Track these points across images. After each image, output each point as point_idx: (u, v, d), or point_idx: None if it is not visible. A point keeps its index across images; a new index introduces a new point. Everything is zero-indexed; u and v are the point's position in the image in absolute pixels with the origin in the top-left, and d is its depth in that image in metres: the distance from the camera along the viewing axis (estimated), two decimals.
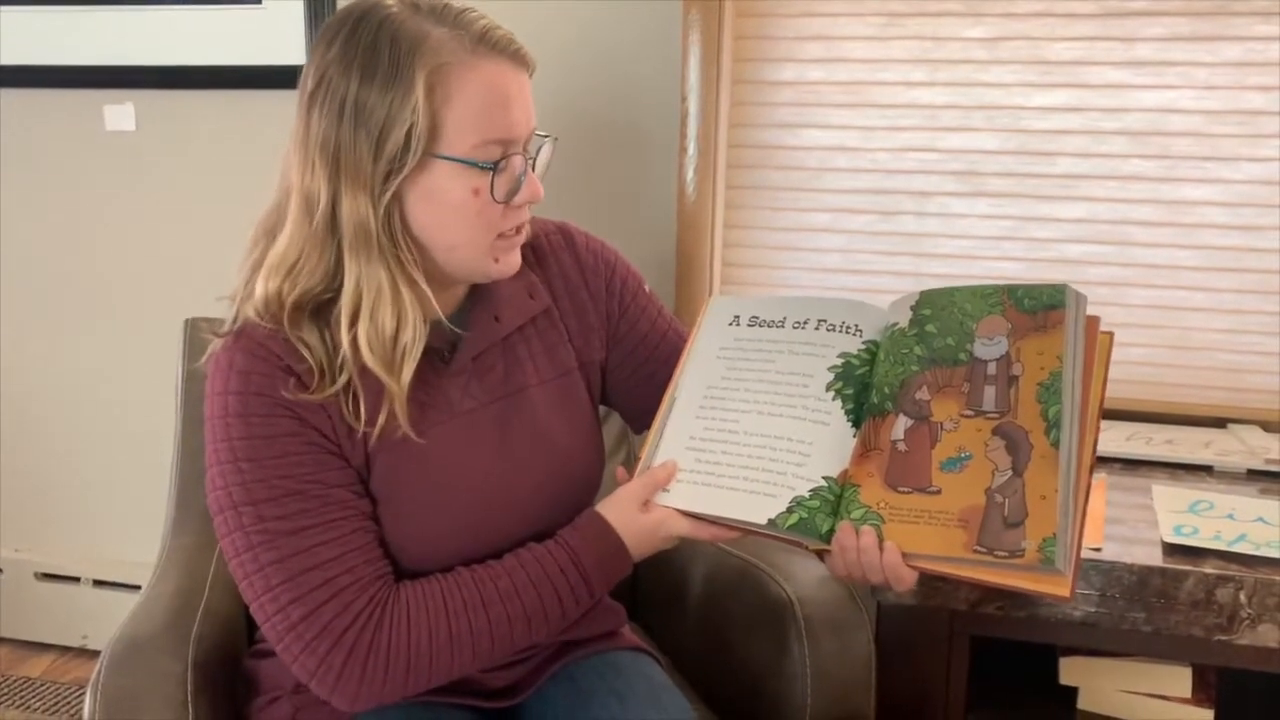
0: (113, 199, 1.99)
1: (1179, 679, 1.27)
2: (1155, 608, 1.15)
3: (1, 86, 1.98)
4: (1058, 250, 1.62)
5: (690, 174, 1.68)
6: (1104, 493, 1.34)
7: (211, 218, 1.93)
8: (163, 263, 1.99)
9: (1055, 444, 0.84)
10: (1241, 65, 1.51)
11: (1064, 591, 0.82)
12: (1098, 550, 1.18)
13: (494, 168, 0.91)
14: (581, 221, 1.15)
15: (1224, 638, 1.14)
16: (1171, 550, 1.18)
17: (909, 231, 1.67)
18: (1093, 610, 1.17)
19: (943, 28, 1.60)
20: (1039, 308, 0.90)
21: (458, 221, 0.92)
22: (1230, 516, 1.25)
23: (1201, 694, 1.28)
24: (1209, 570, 1.14)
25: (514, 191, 0.94)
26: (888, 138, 1.65)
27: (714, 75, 1.65)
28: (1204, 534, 1.20)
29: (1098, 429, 0.87)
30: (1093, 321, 0.89)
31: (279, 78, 1.75)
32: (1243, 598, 1.13)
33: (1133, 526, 1.25)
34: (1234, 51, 1.51)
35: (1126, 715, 1.29)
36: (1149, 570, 1.15)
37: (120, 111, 1.94)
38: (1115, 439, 1.51)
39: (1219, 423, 1.59)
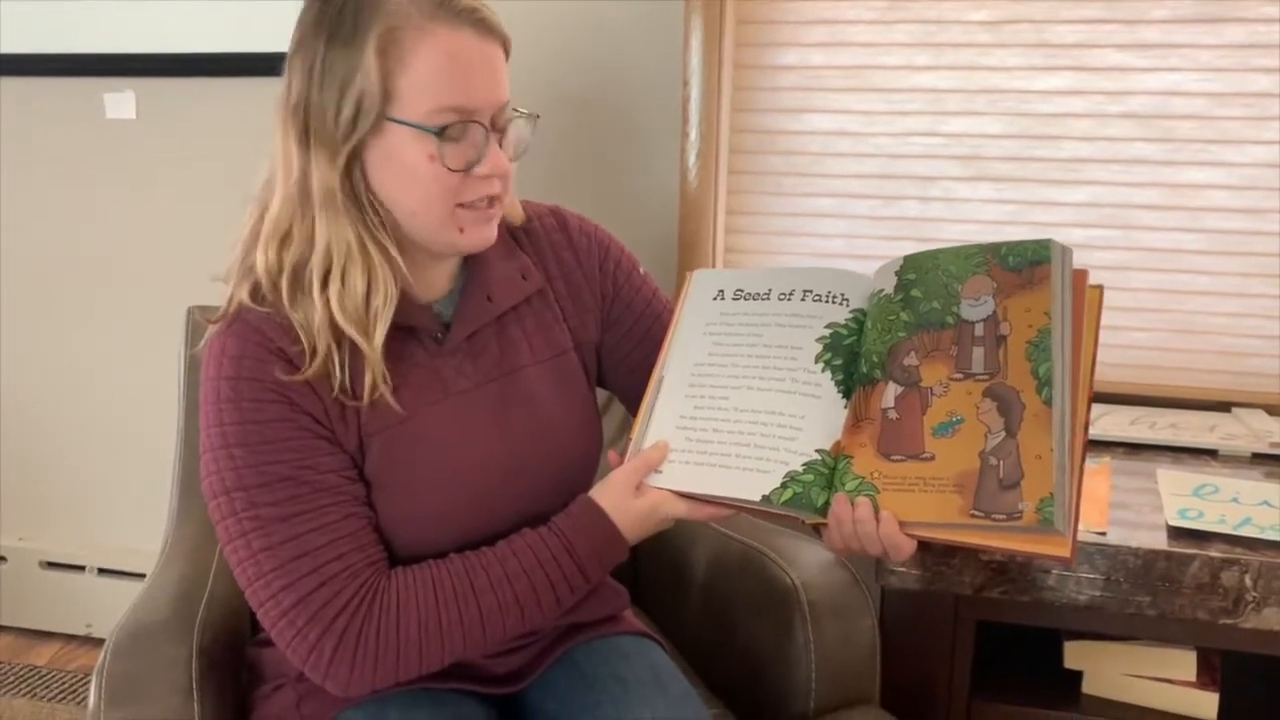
0: (113, 187, 1.99)
1: (1184, 662, 1.27)
2: (1160, 591, 1.15)
3: (1, 75, 1.97)
4: (1062, 234, 1.60)
5: (692, 159, 1.67)
6: (1109, 477, 1.34)
7: (212, 205, 1.92)
8: (164, 251, 1.98)
9: (1047, 402, 0.83)
10: (1246, 47, 1.50)
11: (1064, 552, 0.81)
12: (1102, 534, 1.18)
13: (441, 133, 0.90)
14: (583, 207, 1.15)
15: (1229, 621, 1.14)
16: (1176, 534, 1.18)
17: (912, 216, 1.67)
18: (1097, 594, 1.17)
19: (946, 11, 1.59)
20: (1024, 264, 0.88)
21: (414, 187, 0.92)
22: (1235, 500, 1.25)
23: (1206, 677, 1.28)
24: (1214, 554, 1.13)
25: (473, 162, 0.93)
26: (891, 122, 1.64)
27: (716, 60, 1.64)
28: (1209, 518, 1.20)
29: (1092, 385, 0.85)
30: (1080, 276, 0.87)
31: (280, 65, 1.74)
32: (1248, 581, 1.13)
33: (1137, 510, 1.25)
34: (1238, 33, 1.50)
35: (1131, 699, 1.29)
36: (1154, 554, 1.15)
37: (120, 99, 1.93)
38: (1119, 423, 1.51)
39: (1223, 406, 1.59)
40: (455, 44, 0.90)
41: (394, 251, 0.93)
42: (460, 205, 0.94)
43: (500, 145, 0.95)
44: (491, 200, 0.96)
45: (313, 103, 0.90)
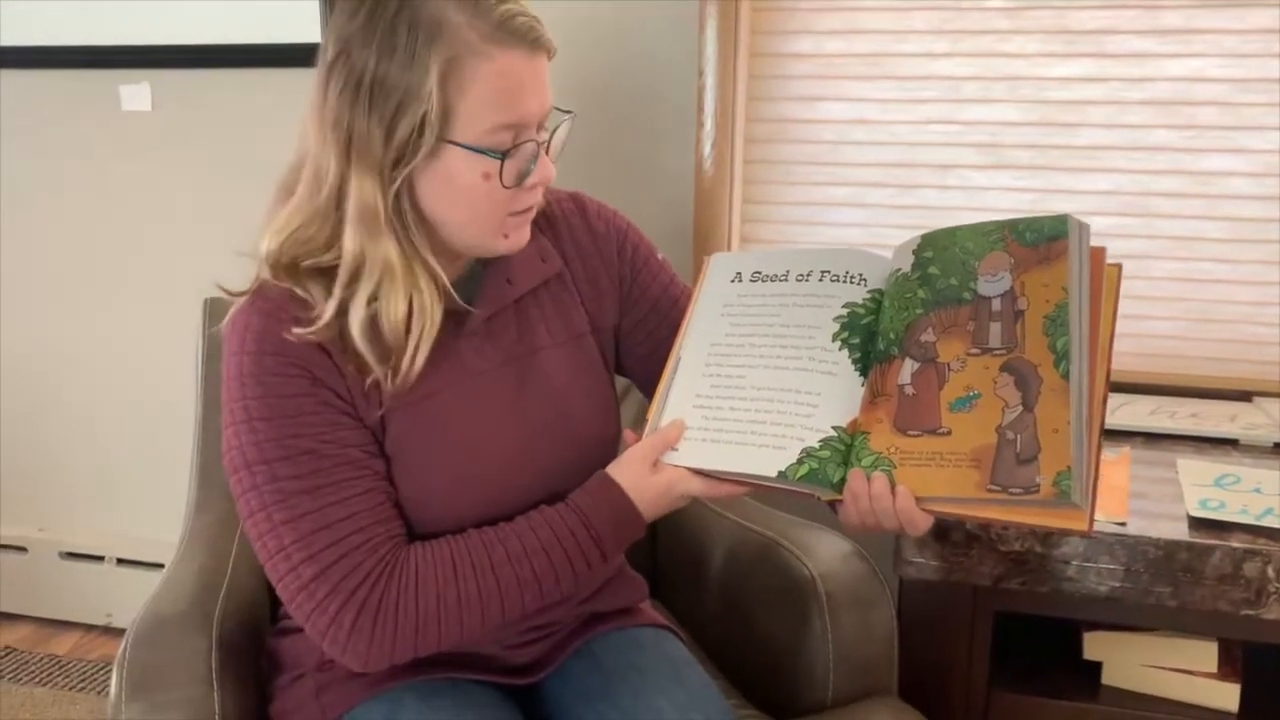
0: (129, 179, 1.99)
1: (1205, 654, 1.26)
2: (1181, 582, 1.14)
3: (17, 67, 1.98)
4: None
5: (708, 148, 1.67)
6: (1128, 466, 1.33)
7: (228, 197, 1.92)
8: (180, 242, 1.99)
9: (1065, 376, 0.82)
10: (1269, 32, 1.49)
11: (1081, 525, 0.80)
12: (1123, 524, 1.17)
13: (504, 156, 0.90)
14: (599, 195, 1.15)
15: (1251, 612, 1.13)
16: (1197, 524, 1.17)
17: (930, 205, 1.66)
18: (1117, 585, 1.16)
19: None
20: (1041, 240, 0.88)
21: (468, 204, 0.93)
22: (1257, 490, 1.24)
23: (1228, 668, 1.27)
24: (1235, 545, 1.13)
25: (525, 175, 0.93)
26: (908, 110, 1.63)
27: (731, 48, 1.63)
28: (1230, 508, 1.19)
29: (1109, 360, 0.85)
30: (1098, 252, 0.87)
31: (295, 56, 1.73)
32: (1270, 572, 1.12)
33: (1158, 501, 1.24)
34: (1262, 18, 1.49)
35: (1152, 690, 1.29)
36: (1175, 544, 1.14)
37: (136, 91, 1.94)
38: (1139, 413, 1.50)
39: (1244, 396, 1.57)
40: (511, 66, 0.89)
41: (435, 265, 0.93)
42: (509, 214, 0.95)
43: (547, 152, 0.95)
44: (531, 205, 0.97)
45: (357, 122, 0.89)
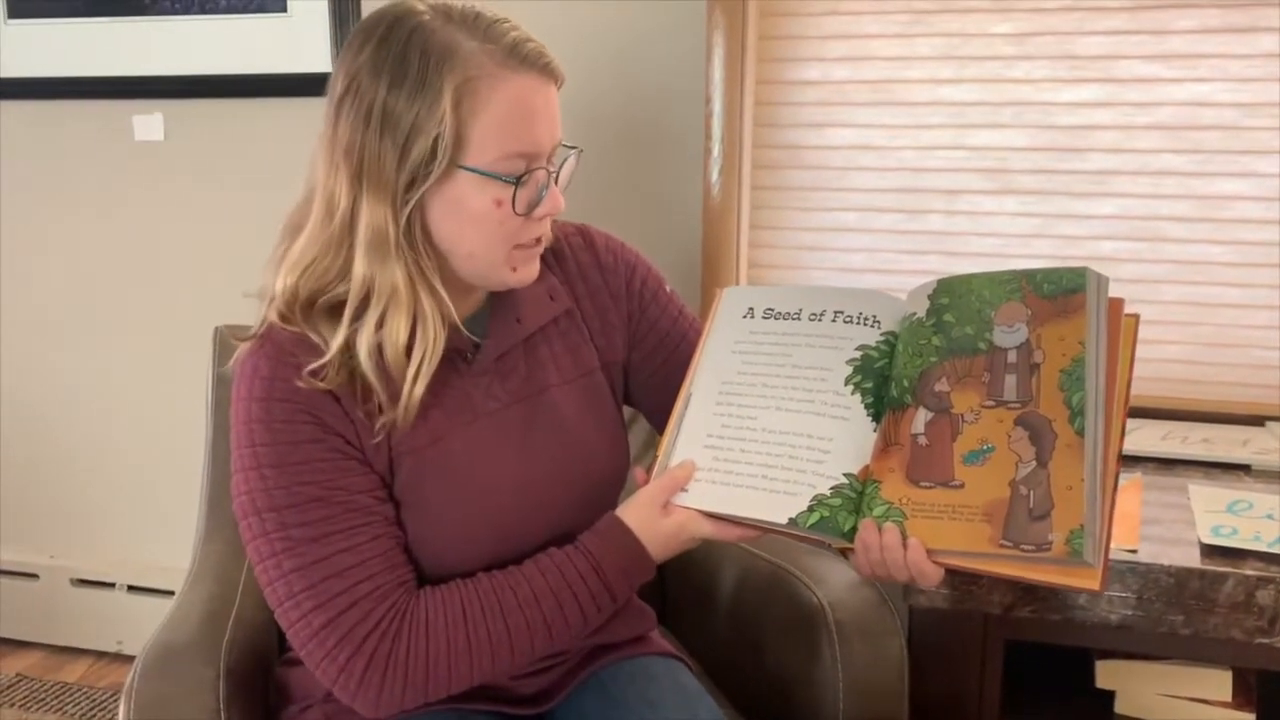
0: (142, 208, 2.01)
1: (1219, 682, 1.25)
2: (1194, 610, 1.13)
3: (32, 98, 2.00)
4: (1089, 247, 1.60)
5: (715, 175, 1.67)
6: (1139, 493, 1.32)
7: (240, 225, 1.94)
8: (192, 271, 2.00)
9: (1080, 432, 0.82)
10: (1276, 57, 1.49)
11: (1094, 584, 0.80)
12: (1134, 552, 1.16)
13: (516, 181, 0.91)
14: (606, 223, 1.15)
15: (1264, 641, 1.12)
16: (1210, 551, 1.16)
17: (937, 230, 1.66)
18: (1129, 613, 1.15)
19: (969, 24, 1.58)
20: (1059, 292, 0.87)
21: (478, 231, 0.93)
22: (1269, 516, 1.23)
23: (1242, 697, 1.26)
24: (1249, 572, 1.12)
25: (535, 204, 0.94)
26: (915, 136, 1.64)
27: (738, 75, 1.64)
28: (1243, 534, 1.18)
29: (1125, 415, 0.85)
30: (1116, 304, 0.86)
31: (306, 85, 1.76)
32: None
33: (1169, 527, 1.23)
34: (1268, 43, 1.49)
35: (1165, 719, 1.27)
36: (1187, 572, 1.13)
37: (149, 121, 1.96)
38: (1150, 438, 1.49)
39: (1256, 420, 1.56)
40: (523, 92, 0.90)
41: (442, 291, 0.94)
42: (517, 246, 0.95)
43: (556, 183, 0.96)
44: (538, 238, 0.97)
45: (368, 148, 0.89)
